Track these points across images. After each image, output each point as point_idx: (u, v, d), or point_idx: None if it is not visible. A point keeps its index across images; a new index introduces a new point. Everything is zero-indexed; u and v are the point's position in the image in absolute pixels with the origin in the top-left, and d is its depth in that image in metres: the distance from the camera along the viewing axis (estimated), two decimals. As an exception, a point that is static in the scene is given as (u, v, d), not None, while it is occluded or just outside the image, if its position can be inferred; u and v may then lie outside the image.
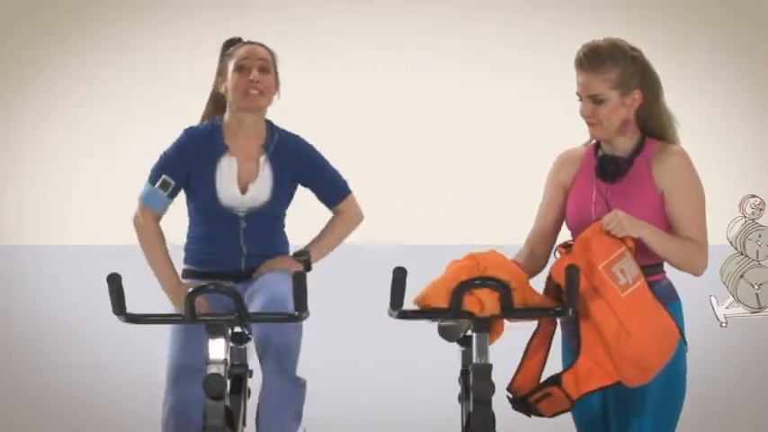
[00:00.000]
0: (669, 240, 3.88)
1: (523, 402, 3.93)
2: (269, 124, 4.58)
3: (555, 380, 3.87)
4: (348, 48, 17.52)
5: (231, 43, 4.61)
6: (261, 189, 4.50)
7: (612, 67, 3.90)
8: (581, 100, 3.95)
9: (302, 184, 4.61)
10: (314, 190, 4.64)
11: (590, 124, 3.97)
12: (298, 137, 4.62)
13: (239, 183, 4.50)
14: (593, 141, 4.07)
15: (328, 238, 4.66)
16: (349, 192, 4.68)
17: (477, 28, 17.97)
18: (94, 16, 18.16)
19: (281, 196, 4.53)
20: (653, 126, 3.99)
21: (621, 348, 3.80)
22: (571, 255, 3.90)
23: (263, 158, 4.52)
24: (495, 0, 17.95)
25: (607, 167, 3.98)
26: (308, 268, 4.56)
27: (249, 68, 4.46)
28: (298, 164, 4.56)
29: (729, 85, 16.66)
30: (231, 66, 4.50)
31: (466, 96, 17.86)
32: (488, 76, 17.84)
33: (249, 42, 4.56)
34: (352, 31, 17.61)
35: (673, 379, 3.95)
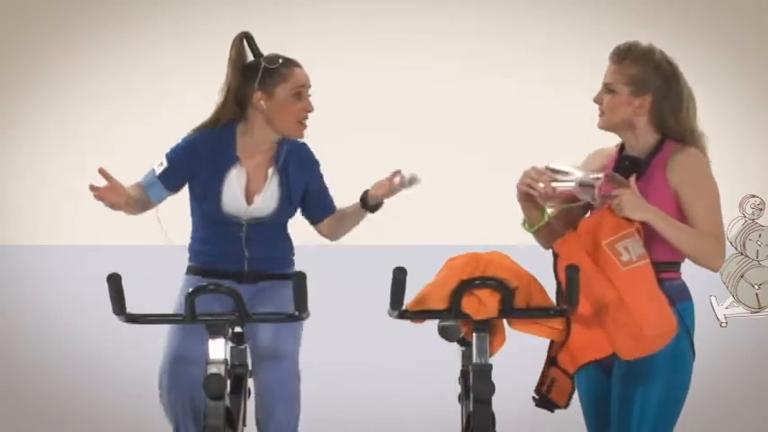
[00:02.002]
0: (680, 229, 3.89)
1: (543, 398, 3.95)
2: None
3: (552, 361, 3.89)
4: (347, 48, 17.52)
5: (248, 41, 4.53)
6: (267, 201, 4.50)
7: (632, 64, 3.98)
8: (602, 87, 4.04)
9: (303, 194, 4.60)
10: (308, 201, 4.61)
11: (599, 113, 4.03)
12: (304, 146, 4.61)
13: (246, 194, 4.50)
14: (620, 142, 4.10)
15: (347, 220, 4.67)
16: (334, 210, 4.68)
17: (477, 28, 17.98)
18: (94, 16, 18.16)
19: (286, 208, 4.53)
20: (674, 135, 4.03)
21: (617, 316, 3.83)
22: (576, 233, 3.92)
23: (271, 170, 4.51)
24: (495, 0, 17.95)
25: (624, 168, 4.02)
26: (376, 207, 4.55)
27: (306, 97, 4.49)
28: (303, 175, 4.56)
29: (729, 85, 16.66)
30: (285, 89, 4.45)
31: (466, 96, 17.86)
32: (487, 76, 17.84)
33: (296, 64, 4.52)
34: (351, 32, 17.60)
35: (676, 384, 3.95)
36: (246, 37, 4.53)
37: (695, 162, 3.98)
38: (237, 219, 4.48)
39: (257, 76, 4.45)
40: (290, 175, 4.52)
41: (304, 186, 4.57)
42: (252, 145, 4.51)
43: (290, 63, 4.49)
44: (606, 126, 4.04)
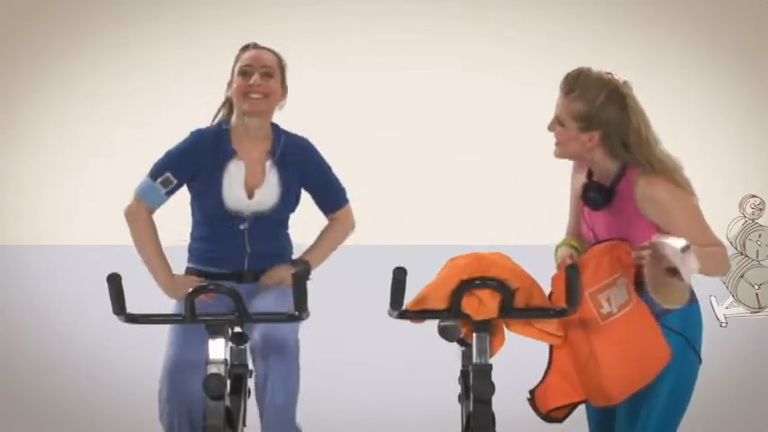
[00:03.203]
0: (705, 256, 3.82)
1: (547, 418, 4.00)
2: (275, 128, 4.59)
3: (531, 394, 3.92)
4: (347, 48, 17.52)
5: (245, 49, 4.64)
6: (268, 194, 4.51)
7: (578, 98, 3.89)
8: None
9: (304, 188, 4.62)
10: (313, 194, 4.65)
11: (554, 143, 4.01)
12: (304, 140, 4.63)
13: (246, 187, 4.51)
14: None
15: (325, 245, 4.68)
16: (347, 201, 4.69)
17: (477, 28, 17.98)
18: (95, 16, 18.16)
19: (288, 201, 4.55)
20: (634, 164, 3.96)
21: (589, 373, 3.84)
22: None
23: (268, 163, 4.53)
24: (495, 0, 17.95)
25: (588, 196, 3.99)
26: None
27: (251, 73, 4.50)
28: (303, 168, 4.57)
29: (729, 84, 16.65)
30: (236, 70, 4.54)
31: (466, 96, 17.86)
32: (487, 76, 17.84)
33: (256, 47, 4.58)
34: (351, 32, 17.60)
35: (679, 390, 3.95)
36: (247, 47, 4.62)
37: (659, 191, 3.88)
38: (239, 213, 4.49)
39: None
40: (288, 168, 4.53)
41: (302, 178, 4.57)
42: (240, 136, 4.54)
43: (247, 47, 4.56)
44: (561, 157, 4.01)
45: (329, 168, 4.65)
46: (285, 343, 4.32)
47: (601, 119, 3.88)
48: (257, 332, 4.36)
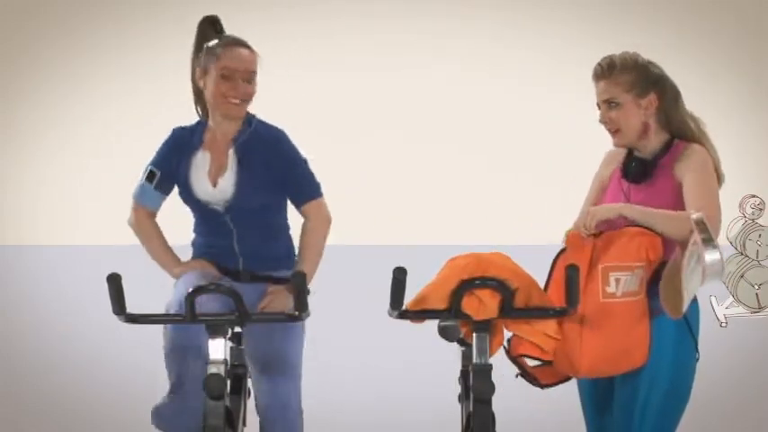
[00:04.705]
0: (652, 215, 3.87)
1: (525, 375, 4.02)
2: (247, 117, 4.50)
3: (508, 342, 3.95)
4: (347, 48, 17.52)
5: (212, 25, 4.51)
6: (228, 182, 4.44)
7: (624, 71, 3.98)
8: (600, 109, 4.01)
9: (275, 180, 4.48)
10: (283, 188, 4.51)
11: (611, 133, 4.02)
12: (278, 132, 4.49)
13: (210, 176, 4.47)
14: None
15: (308, 252, 4.54)
16: (317, 195, 4.53)
17: (477, 28, 17.98)
18: (94, 16, 18.16)
19: (249, 189, 4.42)
20: (676, 127, 4.03)
21: (570, 341, 3.85)
22: (600, 238, 3.91)
23: (231, 151, 4.47)
24: (494, 0, 17.96)
25: (630, 168, 4.03)
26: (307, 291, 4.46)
27: (236, 79, 4.40)
28: (268, 158, 4.44)
29: (729, 84, 16.66)
30: (216, 69, 4.41)
31: (466, 96, 17.86)
32: (487, 76, 17.85)
33: (236, 43, 4.46)
34: (351, 32, 17.60)
35: (678, 386, 3.95)
36: (211, 22, 4.51)
37: (700, 157, 3.97)
38: (210, 204, 4.45)
39: (201, 57, 4.45)
40: (251, 155, 4.43)
41: (268, 169, 4.45)
42: (213, 130, 4.49)
43: (228, 43, 4.42)
44: (625, 143, 4.03)
45: (301, 161, 4.50)
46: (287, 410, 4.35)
47: (652, 76, 3.99)
48: (260, 402, 4.38)
